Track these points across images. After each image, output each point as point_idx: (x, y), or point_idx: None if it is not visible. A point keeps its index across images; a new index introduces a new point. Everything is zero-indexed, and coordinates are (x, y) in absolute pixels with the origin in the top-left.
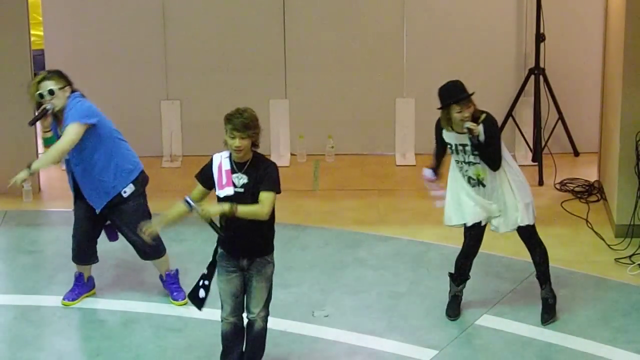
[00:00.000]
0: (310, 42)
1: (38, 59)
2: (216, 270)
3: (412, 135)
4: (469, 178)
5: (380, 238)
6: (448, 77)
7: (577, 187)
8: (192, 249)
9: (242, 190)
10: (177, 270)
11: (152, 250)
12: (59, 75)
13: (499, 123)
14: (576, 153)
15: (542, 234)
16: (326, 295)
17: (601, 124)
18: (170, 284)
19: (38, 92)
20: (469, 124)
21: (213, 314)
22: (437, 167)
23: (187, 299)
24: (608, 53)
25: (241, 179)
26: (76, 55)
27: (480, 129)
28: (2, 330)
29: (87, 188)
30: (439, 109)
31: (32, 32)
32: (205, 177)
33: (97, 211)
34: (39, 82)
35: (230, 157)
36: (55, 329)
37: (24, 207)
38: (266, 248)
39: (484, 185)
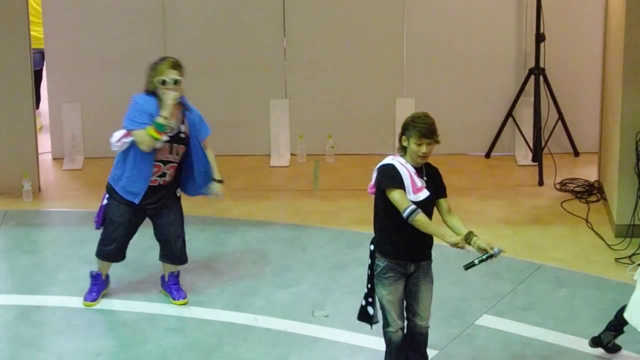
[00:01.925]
0: (310, 42)
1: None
2: (378, 284)
3: None
4: None
5: None
6: (448, 77)
7: (577, 187)
8: (192, 249)
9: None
10: (179, 271)
11: (183, 253)
12: (181, 67)
13: (499, 123)
14: (576, 153)
15: (542, 233)
16: (326, 295)
17: (601, 124)
18: (172, 284)
19: (161, 78)
20: None
21: (213, 313)
22: None
23: (186, 299)
24: (608, 53)
25: (423, 183)
26: (76, 55)
27: None
28: (2, 330)
29: (200, 176)
30: None
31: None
32: (399, 183)
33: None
34: (170, 67)
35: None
36: (55, 329)
37: (24, 207)
38: (431, 251)
39: None
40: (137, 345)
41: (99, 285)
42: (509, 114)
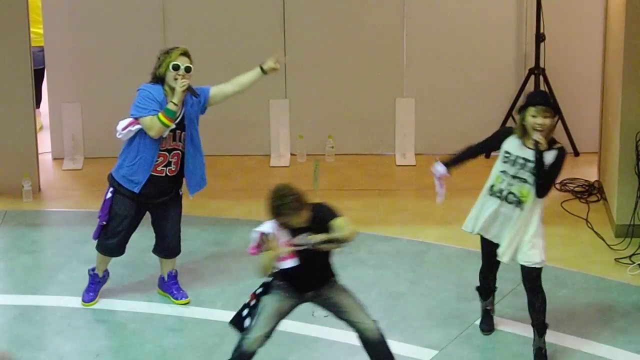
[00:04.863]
0: (310, 42)
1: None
2: (270, 290)
3: (412, 135)
4: (510, 194)
5: (380, 238)
6: (448, 77)
7: (577, 187)
8: (192, 249)
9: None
10: (176, 271)
11: (177, 247)
12: (191, 57)
13: (500, 123)
14: (576, 153)
15: None
16: None
17: (601, 124)
18: (172, 284)
19: (174, 63)
20: (539, 136)
21: (213, 313)
22: (453, 165)
23: (188, 299)
24: (608, 53)
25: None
26: (76, 55)
27: (551, 153)
28: (2, 330)
29: (195, 168)
30: (517, 112)
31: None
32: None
33: (191, 197)
34: (181, 54)
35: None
36: (55, 329)
37: (24, 207)
38: (332, 275)
39: (522, 209)
40: (137, 345)
41: (96, 285)
42: (509, 114)
